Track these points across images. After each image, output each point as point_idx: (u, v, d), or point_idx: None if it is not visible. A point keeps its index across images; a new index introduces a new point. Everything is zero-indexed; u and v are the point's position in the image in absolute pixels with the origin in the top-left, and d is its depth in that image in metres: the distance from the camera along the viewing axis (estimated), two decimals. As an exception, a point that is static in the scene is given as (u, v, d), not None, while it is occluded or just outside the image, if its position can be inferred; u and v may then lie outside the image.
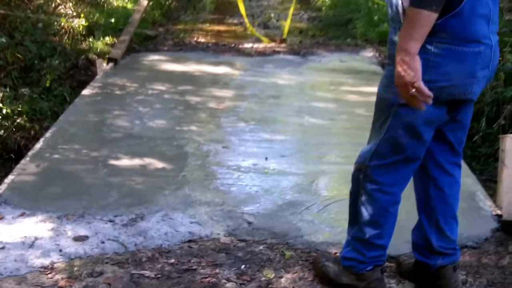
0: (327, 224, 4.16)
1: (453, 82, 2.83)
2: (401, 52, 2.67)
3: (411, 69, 2.65)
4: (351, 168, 5.06)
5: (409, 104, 2.75)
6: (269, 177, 4.89)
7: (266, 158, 5.23)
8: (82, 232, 3.89)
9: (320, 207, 4.40)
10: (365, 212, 3.15)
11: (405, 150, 2.98)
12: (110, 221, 4.04)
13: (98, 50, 8.30)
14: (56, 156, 5.10)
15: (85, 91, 6.81)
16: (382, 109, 3.00)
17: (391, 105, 2.92)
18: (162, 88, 7.13)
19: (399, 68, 2.67)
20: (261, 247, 3.83)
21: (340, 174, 5.03)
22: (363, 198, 3.13)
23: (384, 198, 3.10)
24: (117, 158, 5.07)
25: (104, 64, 7.91)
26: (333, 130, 6.11)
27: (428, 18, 2.66)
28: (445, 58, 2.78)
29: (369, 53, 9.30)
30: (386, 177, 3.07)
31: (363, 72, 8.35)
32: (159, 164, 5.00)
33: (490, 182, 5.28)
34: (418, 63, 2.68)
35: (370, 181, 3.10)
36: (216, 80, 7.62)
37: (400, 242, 3.75)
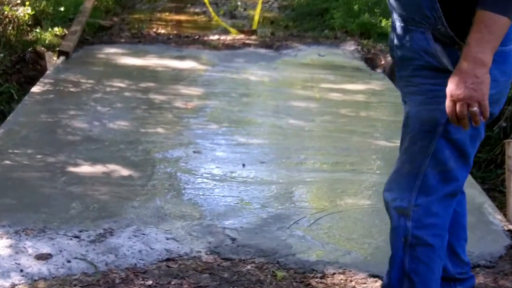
0: (320, 240, 4.13)
1: (499, 88, 2.68)
2: (475, 63, 2.45)
3: (484, 85, 2.45)
4: (337, 176, 5.15)
5: (455, 122, 2.54)
6: (248, 187, 4.86)
7: (244, 165, 5.21)
8: (45, 249, 3.80)
9: (311, 221, 4.36)
10: (423, 269, 2.83)
11: (456, 177, 2.76)
12: (75, 236, 3.96)
13: (47, 42, 8.20)
14: (7, 162, 5.01)
15: (35, 88, 6.71)
16: (424, 132, 2.71)
17: (438, 125, 2.67)
18: (122, 85, 7.07)
19: (467, 81, 2.45)
20: (249, 267, 3.79)
21: (326, 183, 5.04)
22: (418, 251, 2.80)
23: (440, 243, 2.83)
24: (77, 165, 4.99)
25: (55, 58, 7.81)
26: (315, 133, 6.11)
27: (507, 27, 2.49)
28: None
29: (350, 46, 9.34)
30: (439, 217, 2.80)
31: (344, 67, 8.39)
32: (124, 172, 4.94)
33: (494, 192, 5.30)
34: (489, 78, 2.51)
35: (423, 226, 2.78)
36: (181, 76, 7.58)
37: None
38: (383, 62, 8.63)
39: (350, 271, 3.79)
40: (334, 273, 3.76)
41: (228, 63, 8.26)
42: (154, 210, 4.38)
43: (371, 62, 8.80)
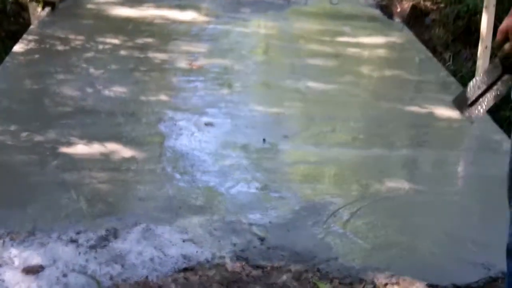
0: (364, 239, 3.58)
1: None
2: None
3: None
4: (373, 152, 4.59)
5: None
6: (273, 168, 4.31)
7: (264, 140, 4.65)
8: (34, 259, 3.21)
9: (350, 212, 3.81)
10: None
11: None
12: (72, 241, 3.38)
13: (30, -9, 7.55)
14: (-14, 142, 4.39)
15: (17, 47, 6.13)
16: None
17: None
18: (116, 41, 6.50)
19: None
20: (284, 277, 3.23)
21: (361, 161, 4.51)
22: None
23: None
24: (70, 144, 4.41)
25: (39, 9, 7.24)
26: (339, 98, 5.57)
27: None
28: None
29: None
30: None
31: (359, 17, 7.95)
32: (126, 152, 4.36)
33: None
34: None
35: None
36: (182, 30, 7.04)
37: (464, 265, 3.36)
38: (399, 10, 8.16)
39: (405, 280, 3.24)
40: (387, 284, 3.22)
41: (233, 14, 7.75)
42: (166, 202, 3.80)
43: (386, 10, 8.28)
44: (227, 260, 3.33)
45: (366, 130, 4.95)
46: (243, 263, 3.31)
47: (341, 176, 4.29)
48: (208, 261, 3.31)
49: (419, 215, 3.86)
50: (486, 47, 5.55)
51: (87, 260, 3.24)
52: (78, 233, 3.45)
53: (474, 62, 6.37)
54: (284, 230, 3.61)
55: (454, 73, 6.33)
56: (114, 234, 3.47)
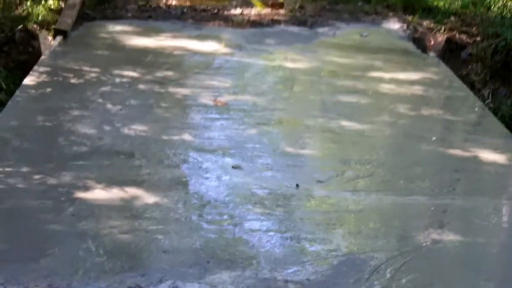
0: None
1: None
2: None
3: None
4: (413, 201, 4.47)
5: None
6: (308, 218, 4.17)
7: (297, 186, 4.50)
8: (51, 326, 3.06)
9: (393, 268, 3.69)
10: None
11: None
12: (92, 301, 3.19)
13: (40, 18, 7.51)
14: (-5, 185, 4.28)
15: (28, 79, 5.99)
16: None
17: None
18: (134, 74, 6.36)
19: None
20: None
21: (401, 210, 4.38)
22: None
23: None
24: (86, 188, 4.27)
25: (50, 38, 7.15)
26: (376, 140, 5.42)
27: None
28: None
29: (394, 24, 8.71)
30: None
31: (392, 51, 7.77)
32: (149, 198, 4.22)
33: None
34: None
35: None
36: (204, 63, 6.88)
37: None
38: (432, 43, 7.99)
39: None
40: None
41: (257, 45, 7.57)
42: (193, 255, 3.68)
43: (419, 43, 8.12)
44: (264, 327, 3.17)
45: (406, 175, 4.79)
46: (282, 332, 3.16)
47: (382, 226, 4.15)
48: (242, 328, 3.16)
49: (467, 271, 3.75)
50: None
51: (108, 327, 3.08)
52: (98, 292, 3.29)
53: (514, 100, 6.23)
54: (323, 289, 3.46)
55: (494, 112, 6.17)
56: (138, 293, 3.31)
